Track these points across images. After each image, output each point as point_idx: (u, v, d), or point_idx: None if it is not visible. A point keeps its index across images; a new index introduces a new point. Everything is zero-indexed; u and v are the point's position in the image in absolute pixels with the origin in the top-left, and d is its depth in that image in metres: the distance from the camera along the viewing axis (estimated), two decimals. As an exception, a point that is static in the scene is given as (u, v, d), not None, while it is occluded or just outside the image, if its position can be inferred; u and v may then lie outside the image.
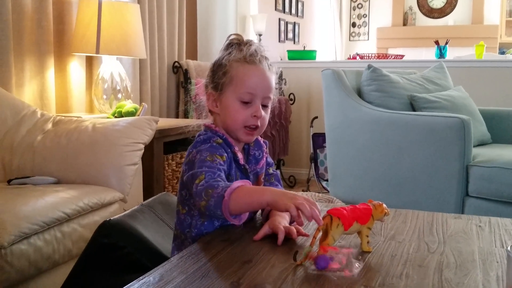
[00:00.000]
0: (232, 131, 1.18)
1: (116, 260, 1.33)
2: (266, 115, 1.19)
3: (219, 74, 1.17)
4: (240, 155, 1.19)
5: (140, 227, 1.37)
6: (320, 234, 0.99)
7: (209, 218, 1.15)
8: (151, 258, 1.30)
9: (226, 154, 1.14)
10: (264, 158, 1.26)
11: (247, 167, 1.21)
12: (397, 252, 1.03)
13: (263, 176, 1.26)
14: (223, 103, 1.17)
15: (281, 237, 1.06)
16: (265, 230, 1.09)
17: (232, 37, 1.21)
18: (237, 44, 1.19)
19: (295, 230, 1.08)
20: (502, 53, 6.56)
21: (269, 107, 1.20)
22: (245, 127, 1.17)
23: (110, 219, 1.37)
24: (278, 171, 1.31)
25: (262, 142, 1.27)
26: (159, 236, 1.40)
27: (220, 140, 1.15)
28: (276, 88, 1.22)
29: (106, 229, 1.34)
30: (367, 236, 1.04)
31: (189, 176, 1.10)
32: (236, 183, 1.02)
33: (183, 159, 2.73)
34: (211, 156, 1.10)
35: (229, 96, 1.16)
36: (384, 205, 1.08)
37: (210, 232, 1.14)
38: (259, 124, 1.17)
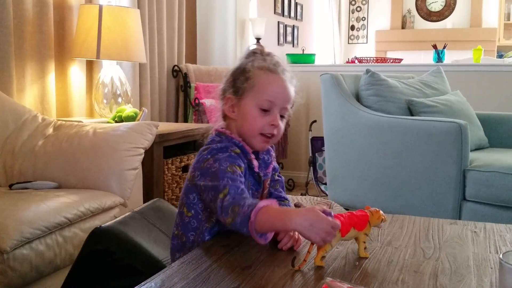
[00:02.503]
0: (248, 138, 1.18)
1: (108, 266, 1.38)
2: (282, 125, 1.19)
3: (241, 79, 1.18)
4: (255, 163, 1.19)
5: (131, 233, 1.41)
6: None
7: (213, 224, 1.16)
8: (142, 261, 1.34)
9: (243, 165, 1.14)
10: (272, 163, 1.27)
11: (261, 174, 1.21)
12: (394, 258, 1.05)
13: (268, 182, 1.26)
14: (241, 108, 1.18)
15: (285, 241, 1.09)
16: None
17: (254, 46, 1.24)
18: (260, 53, 1.21)
19: (298, 241, 1.10)
20: (500, 56, 6.59)
21: (286, 118, 1.21)
22: (261, 135, 1.17)
23: (100, 225, 1.41)
24: (283, 177, 1.32)
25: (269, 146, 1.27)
26: (151, 240, 1.44)
27: (238, 150, 1.15)
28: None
29: (97, 235, 1.39)
30: (364, 242, 1.07)
31: (210, 187, 1.08)
32: (262, 203, 1.00)
33: (183, 163, 2.79)
34: (231, 167, 1.09)
35: (249, 102, 1.17)
36: (381, 212, 1.10)
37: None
38: (275, 132, 1.18)
